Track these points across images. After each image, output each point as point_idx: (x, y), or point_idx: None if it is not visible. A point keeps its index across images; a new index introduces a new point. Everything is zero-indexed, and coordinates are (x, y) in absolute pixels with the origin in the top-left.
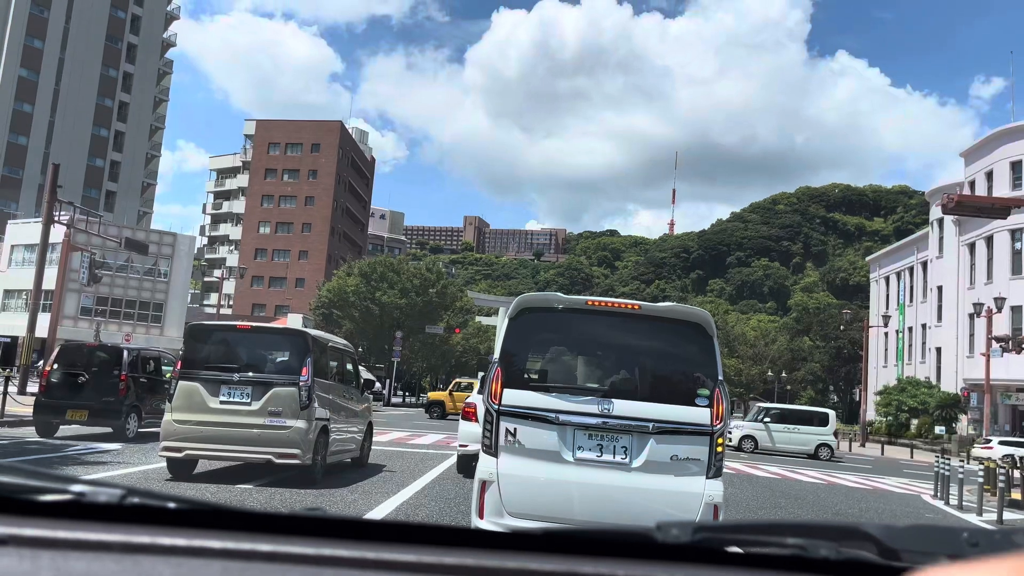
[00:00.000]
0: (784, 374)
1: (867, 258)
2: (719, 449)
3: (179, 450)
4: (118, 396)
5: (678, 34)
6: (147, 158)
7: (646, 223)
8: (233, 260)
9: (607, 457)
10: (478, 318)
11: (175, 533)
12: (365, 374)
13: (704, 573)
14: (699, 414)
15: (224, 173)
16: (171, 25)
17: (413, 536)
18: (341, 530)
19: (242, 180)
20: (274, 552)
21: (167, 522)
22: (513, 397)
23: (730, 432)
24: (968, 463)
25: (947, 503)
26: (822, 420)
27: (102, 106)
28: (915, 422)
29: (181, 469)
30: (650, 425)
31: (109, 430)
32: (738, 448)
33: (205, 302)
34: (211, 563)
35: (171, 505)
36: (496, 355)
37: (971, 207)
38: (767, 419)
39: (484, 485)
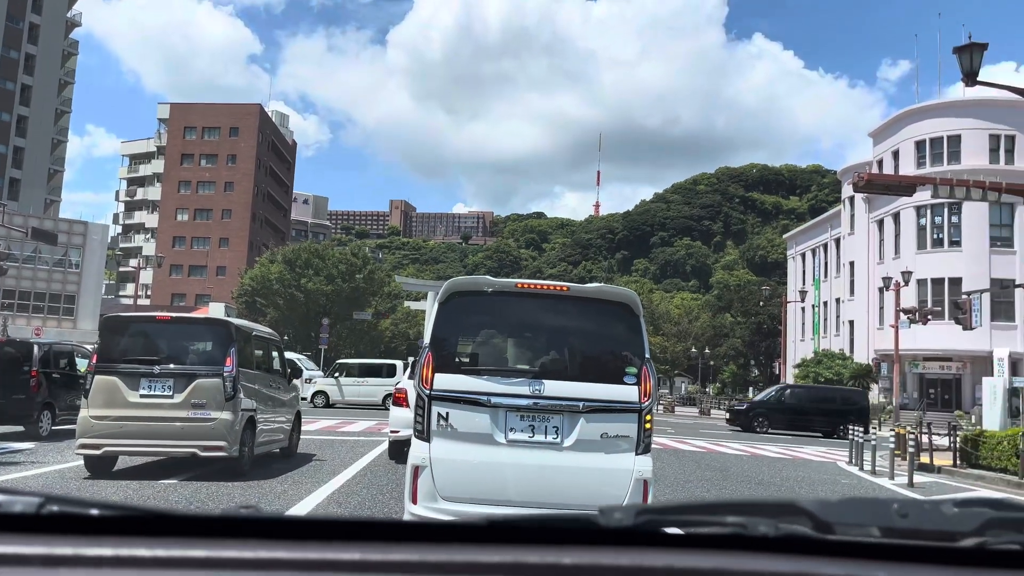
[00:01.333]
0: (707, 350)
1: (784, 236)
2: (647, 426)
3: (97, 447)
4: (29, 393)
5: (601, 17)
6: (53, 143)
7: (572, 205)
8: (150, 249)
9: (539, 437)
10: (407, 303)
11: (100, 542)
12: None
13: (648, 555)
14: (627, 392)
15: (137, 159)
16: (75, 3)
17: (355, 533)
18: (279, 530)
19: (157, 166)
20: (208, 558)
21: (91, 531)
22: (444, 381)
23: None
24: (880, 430)
25: (861, 469)
26: (390, 371)
27: (3, 89)
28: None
29: (100, 467)
30: (580, 404)
31: (21, 429)
32: (311, 403)
33: (121, 293)
34: (141, 574)
35: (94, 512)
36: (426, 340)
37: (879, 185)
38: (338, 374)
39: (417, 470)
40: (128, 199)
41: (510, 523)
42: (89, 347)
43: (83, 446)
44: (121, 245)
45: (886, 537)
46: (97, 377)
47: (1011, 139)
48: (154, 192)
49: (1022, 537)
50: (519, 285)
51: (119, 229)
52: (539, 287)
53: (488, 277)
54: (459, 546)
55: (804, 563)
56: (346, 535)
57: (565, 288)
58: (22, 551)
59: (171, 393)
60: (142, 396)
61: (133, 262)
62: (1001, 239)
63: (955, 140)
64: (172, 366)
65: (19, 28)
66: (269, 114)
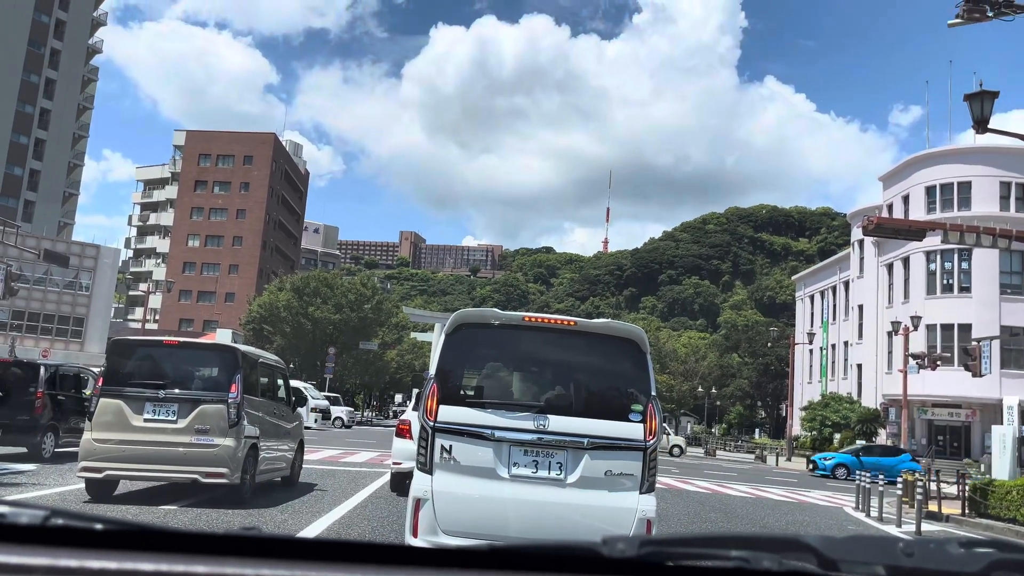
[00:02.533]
0: (714, 390)
1: (793, 277)
2: (652, 464)
3: (99, 470)
4: (33, 414)
5: (614, 56)
6: (69, 167)
7: (581, 241)
8: (160, 273)
9: (542, 473)
10: (413, 334)
11: (104, 556)
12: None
13: None
14: (633, 429)
15: (152, 184)
16: (97, 31)
17: (357, 555)
18: (280, 550)
19: (171, 192)
20: (210, 574)
21: (95, 544)
22: (449, 413)
23: None
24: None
25: (868, 515)
26: None
27: (22, 113)
28: (838, 436)
29: (101, 490)
30: (585, 441)
31: (24, 450)
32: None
33: (129, 316)
34: None
35: (98, 526)
36: (432, 371)
37: (889, 229)
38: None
39: (418, 503)
40: (141, 224)
41: (512, 550)
42: (96, 370)
43: (85, 469)
44: (132, 269)
45: None
46: (102, 400)
47: (1021, 187)
48: (167, 217)
49: None
50: (526, 318)
51: (130, 253)
52: (546, 321)
53: (495, 310)
54: (461, 572)
55: None
56: (349, 557)
57: (572, 323)
58: (27, 561)
59: (175, 418)
60: (146, 420)
61: (143, 286)
62: (1011, 286)
63: (965, 186)
64: (177, 391)
65: (40, 53)
66: (283, 143)
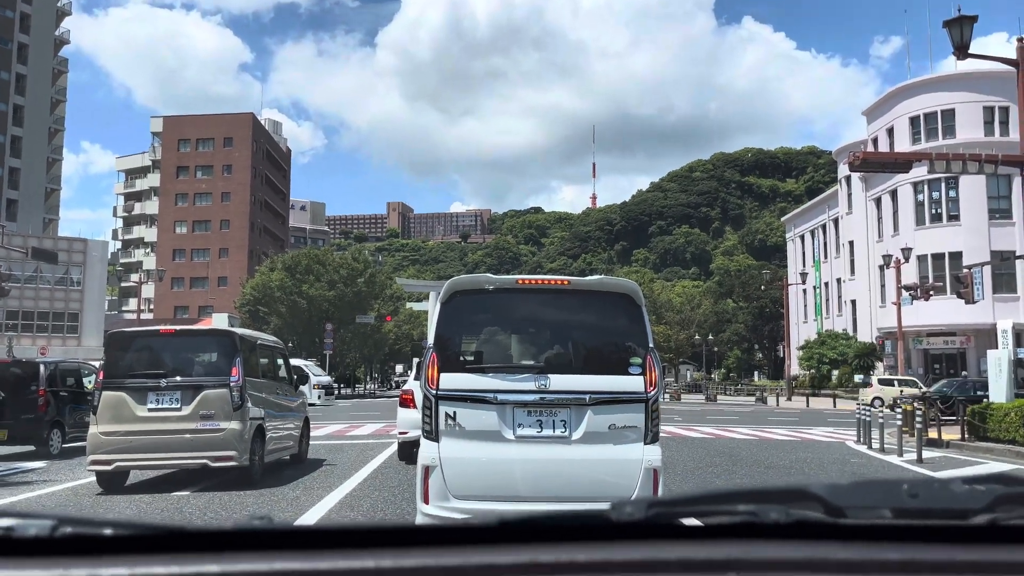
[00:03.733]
0: (711, 336)
1: (782, 219)
2: (655, 415)
3: (108, 463)
4: (38, 413)
5: (590, 8)
6: (48, 162)
7: (569, 198)
8: (150, 263)
9: (547, 432)
10: (409, 304)
11: (115, 562)
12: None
13: (661, 548)
14: (633, 382)
15: (133, 174)
16: (63, 21)
17: (368, 540)
18: (293, 540)
19: (153, 180)
20: (223, 573)
21: (105, 551)
22: (450, 381)
23: None
24: (885, 408)
25: (869, 447)
26: None
27: None
28: (836, 373)
29: (112, 482)
30: (587, 397)
31: (31, 448)
32: None
33: (124, 308)
34: None
35: (107, 532)
36: (430, 340)
37: (875, 163)
38: None
39: (427, 471)
40: (126, 214)
41: (523, 522)
42: (95, 364)
43: (94, 462)
44: (121, 260)
45: (898, 518)
46: (104, 393)
47: (1005, 110)
48: (151, 206)
49: None
50: (520, 281)
51: (119, 245)
52: (540, 282)
53: (489, 275)
54: (472, 548)
55: (816, 548)
56: (359, 542)
57: (566, 282)
58: (39, 575)
59: (179, 405)
60: (150, 410)
61: (134, 277)
62: (999, 211)
63: (949, 114)
64: (179, 379)
65: (8, 48)
66: (262, 122)
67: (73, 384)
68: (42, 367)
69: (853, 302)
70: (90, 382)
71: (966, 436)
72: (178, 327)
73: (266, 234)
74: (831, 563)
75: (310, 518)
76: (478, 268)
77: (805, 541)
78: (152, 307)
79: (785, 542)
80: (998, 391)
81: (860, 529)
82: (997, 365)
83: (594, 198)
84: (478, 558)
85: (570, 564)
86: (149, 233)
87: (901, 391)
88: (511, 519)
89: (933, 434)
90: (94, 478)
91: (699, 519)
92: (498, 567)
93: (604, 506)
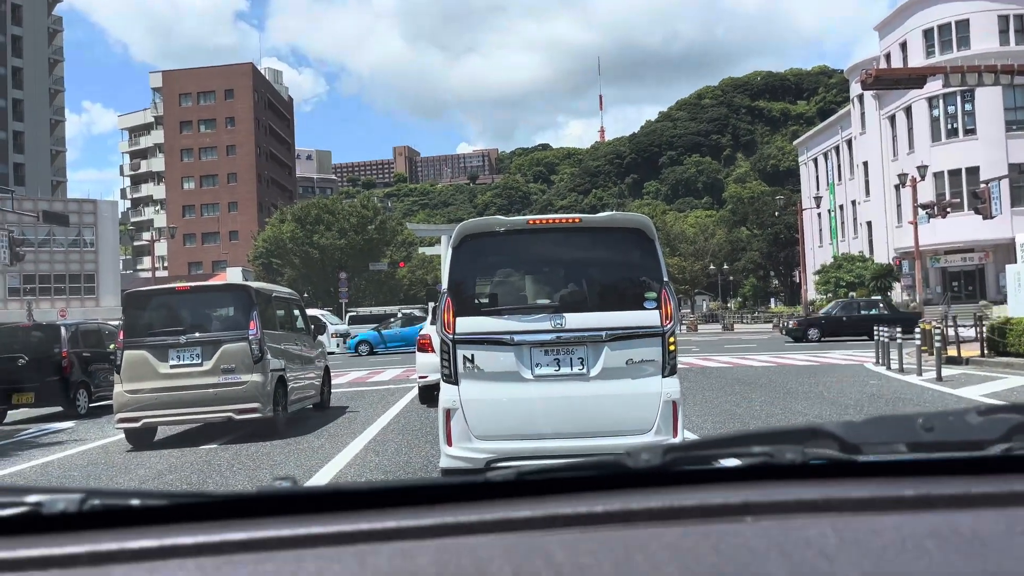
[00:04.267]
0: (726, 266)
1: (794, 142)
2: (672, 348)
3: (136, 420)
4: (62, 374)
5: None
6: (52, 124)
7: (577, 133)
8: (161, 220)
9: (565, 370)
10: (421, 249)
11: (143, 534)
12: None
13: (678, 495)
14: (649, 317)
15: (137, 131)
16: None
17: (387, 499)
18: (316, 503)
19: (157, 136)
20: (248, 540)
21: (133, 522)
22: (466, 324)
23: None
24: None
25: (888, 368)
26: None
27: None
28: (853, 295)
29: (140, 439)
30: (603, 334)
31: (60, 409)
32: None
33: (139, 267)
34: (185, 562)
35: (135, 502)
36: (444, 285)
37: (888, 80)
38: None
39: (449, 413)
40: (133, 172)
41: (540, 474)
42: (114, 323)
43: (122, 420)
44: (132, 219)
45: (913, 453)
46: (127, 352)
47: (1020, 19)
48: (158, 163)
49: None
50: (531, 222)
51: (128, 204)
52: (551, 221)
53: (499, 217)
54: (491, 503)
55: (833, 487)
56: (380, 503)
57: (577, 220)
58: (70, 551)
59: (200, 361)
60: (172, 367)
61: (146, 235)
62: (1017, 123)
63: (963, 25)
64: (198, 334)
65: (1, 10)
66: (262, 72)
67: (95, 344)
68: (63, 329)
69: (869, 224)
70: (111, 342)
71: (985, 352)
72: (194, 284)
73: (274, 185)
74: (847, 502)
75: (336, 465)
76: (488, 209)
77: (821, 481)
78: (166, 265)
79: (801, 482)
80: (1017, 305)
81: (875, 466)
82: (1016, 279)
83: (602, 131)
84: (496, 513)
85: (588, 515)
86: (157, 190)
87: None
88: (528, 472)
89: (952, 352)
90: (123, 436)
91: (714, 463)
92: (517, 521)
93: (624, 444)
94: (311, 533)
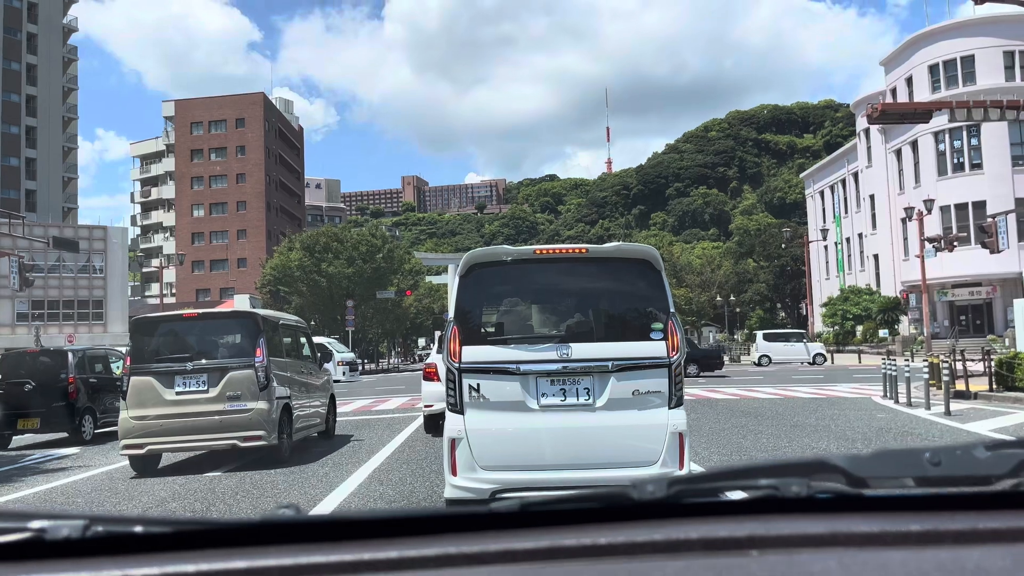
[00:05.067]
0: (732, 297)
1: (801, 175)
2: (678, 379)
3: (140, 447)
4: (68, 400)
5: None
6: (64, 151)
7: (585, 164)
8: (170, 247)
9: (571, 400)
10: (428, 278)
11: (146, 561)
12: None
13: (682, 528)
14: (655, 347)
15: (148, 159)
16: (70, 8)
17: (390, 529)
18: (318, 532)
19: (168, 164)
20: (251, 568)
21: (136, 549)
22: (473, 353)
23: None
24: (913, 361)
25: (896, 402)
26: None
27: (9, 102)
28: (860, 328)
29: (145, 466)
30: (609, 364)
31: (65, 435)
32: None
33: (147, 293)
34: None
35: (138, 529)
36: (451, 314)
37: (894, 114)
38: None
39: (454, 443)
40: (143, 200)
41: (544, 505)
42: (122, 350)
43: (127, 447)
44: (141, 246)
45: (920, 487)
46: (133, 378)
47: None
48: (168, 191)
49: None
50: (537, 251)
51: (138, 231)
52: (557, 251)
53: (506, 246)
54: (494, 534)
55: (838, 521)
56: (382, 532)
57: (584, 250)
58: None
59: (206, 388)
60: (178, 393)
61: (155, 262)
62: (1023, 157)
63: (968, 60)
64: (204, 361)
65: (17, 39)
66: (273, 101)
67: (101, 370)
68: (70, 355)
69: (876, 256)
70: (118, 368)
71: (994, 387)
72: (201, 311)
73: (283, 213)
74: (853, 536)
75: (340, 494)
76: (495, 239)
77: (826, 514)
78: (174, 291)
79: (806, 516)
80: None
81: (882, 500)
82: None
83: (609, 163)
84: (499, 544)
85: (592, 547)
86: (167, 218)
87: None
88: (532, 503)
89: (960, 386)
90: (127, 462)
91: (720, 496)
92: (520, 552)
93: (630, 475)
94: (313, 562)
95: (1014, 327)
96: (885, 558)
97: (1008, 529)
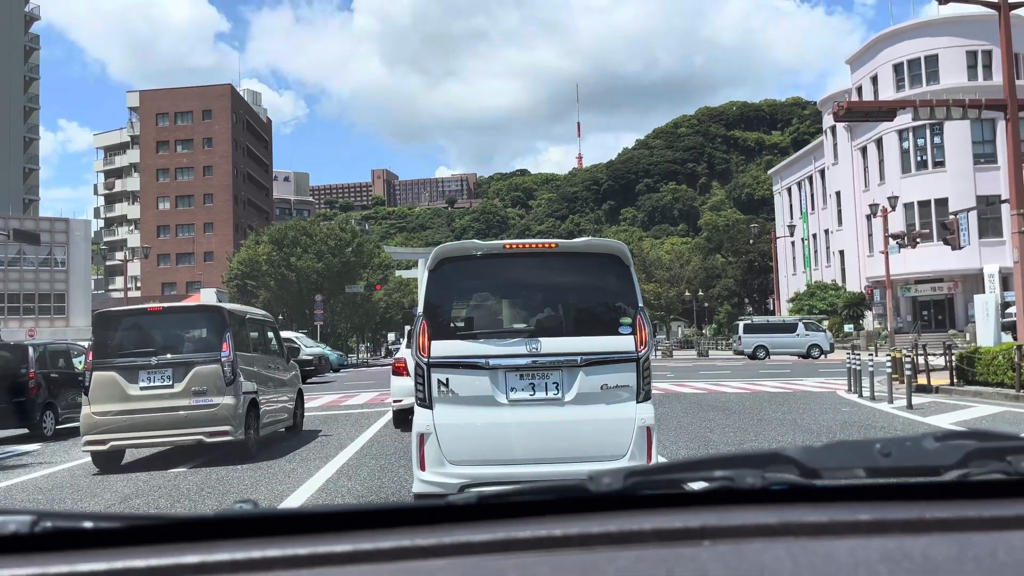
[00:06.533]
0: (701, 292)
1: (769, 172)
2: (646, 374)
3: (103, 443)
4: (29, 395)
5: None
6: (25, 142)
7: (556, 159)
8: (135, 240)
9: (540, 395)
10: (398, 272)
11: (94, 557)
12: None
13: (636, 519)
14: (624, 342)
15: (112, 150)
16: None
17: (347, 523)
18: (273, 527)
19: (133, 156)
20: (202, 563)
21: (85, 544)
22: (441, 348)
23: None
24: (877, 355)
25: (860, 396)
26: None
27: None
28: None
29: (108, 462)
30: (578, 358)
31: (25, 431)
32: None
33: (111, 287)
34: None
35: (87, 525)
36: (420, 308)
37: (859, 112)
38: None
39: (422, 438)
40: (107, 192)
41: (500, 498)
42: (84, 344)
43: (89, 443)
44: (105, 239)
45: (871, 478)
46: (95, 373)
47: (988, 54)
48: (133, 183)
49: (1004, 466)
50: (507, 246)
51: (101, 223)
52: (527, 246)
53: (476, 241)
54: (450, 527)
55: (789, 512)
56: (338, 526)
57: (553, 245)
58: (17, 573)
59: (171, 383)
60: (142, 388)
61: (119, 255)
62: (985, 156)
63: (932, 60)
64: (169, 356)
65: None
66: (241, 93)
67: (63, 365)
68: (31, 349)
69: (841, 252)
70: (80, 363)
71: (955, 381)
72: (166, 304)
73: (250, 207)
74: (804, 526)
75: (307, 490)
76: (466, 233)
77: (779, 505)
78: (139, 285)
79: (759, 507)
80: (985, 335)
81: (833, 491)
82: (984, 309)
83: (580, 158)
84: (454, 537)
85: (547, 539)
86: (132, 210)
87: None
88: (489, 496)
89: (923, 380)
90: (90, 458)
91: (676, 487)
92: (474, 545)
93: (586, 473)
94: (267, 556)
95: (974, 322)
96: (833, 547)
97: (954, 518)
